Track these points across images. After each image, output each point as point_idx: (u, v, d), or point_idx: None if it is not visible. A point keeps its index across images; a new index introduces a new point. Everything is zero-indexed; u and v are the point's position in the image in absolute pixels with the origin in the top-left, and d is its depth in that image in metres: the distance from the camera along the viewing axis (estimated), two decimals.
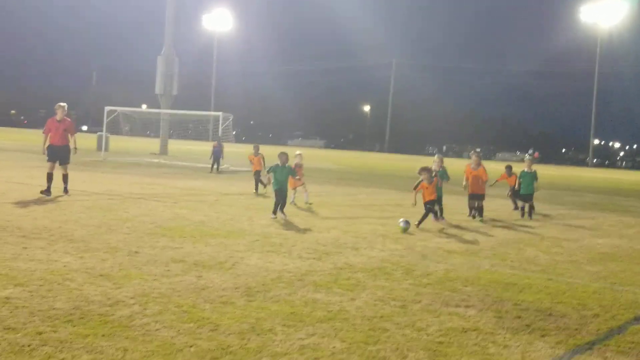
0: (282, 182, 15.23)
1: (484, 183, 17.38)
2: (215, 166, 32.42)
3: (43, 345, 5.46)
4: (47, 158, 16.84)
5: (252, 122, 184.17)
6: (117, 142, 51.98)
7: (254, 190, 21.56)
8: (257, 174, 21.82)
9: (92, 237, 10.77)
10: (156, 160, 39.58)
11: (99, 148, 43.17)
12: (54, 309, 6.53)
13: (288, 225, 13.78)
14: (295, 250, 10.77)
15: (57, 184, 16.66)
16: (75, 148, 17.22)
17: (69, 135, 16.99)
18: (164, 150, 51.04)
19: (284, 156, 15.43)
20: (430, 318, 7.14)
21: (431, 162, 17.04)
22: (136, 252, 9.76)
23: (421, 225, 14.58)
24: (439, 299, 8.06)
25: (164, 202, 16.68)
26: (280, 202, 14.98)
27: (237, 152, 49.29)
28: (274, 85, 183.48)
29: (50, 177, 16.51)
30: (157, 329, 6.12)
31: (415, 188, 15.43)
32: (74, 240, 10.37)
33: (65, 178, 16.99)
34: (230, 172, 33.43)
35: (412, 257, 10.88)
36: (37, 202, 14.95)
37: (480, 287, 8.89)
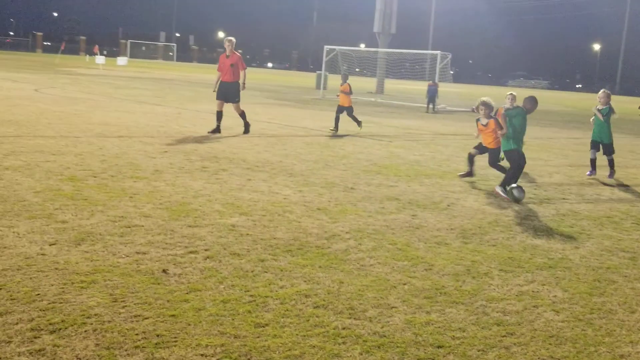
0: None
1: None
2: (431, 106, 32.13)
3: (265, 272, 5.73)
4: (215, 96, 16.37)
5: (470, 62, 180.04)
6: (335, 81, 53.22)
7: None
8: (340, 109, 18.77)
9: (311, 171, 11.12)
10: (373, 99, 39.99)
11: (318, 87, 44.38)
12: (274, 238, 6.83)
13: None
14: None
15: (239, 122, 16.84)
16: (244, 84, 16.25)
17: (239, 71, 16.10)
18: (380, 90, 51.38)
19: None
20: None
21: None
22: (352, 188, 9.93)
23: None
24: None
25: (379, 141, 16.83)
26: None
27: (454, 92, 48.42)
28: (494, 22, 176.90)
29: (219, 116, 15.97)
30: (371, 264, 6.19)
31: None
32: (294, 174, 10.78)
33: (242, 115, 16.34)
34: (447, 112, 32.97)
35: None
36: (261, 136, 15.71)
37: None
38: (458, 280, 5.89)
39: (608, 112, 12.96)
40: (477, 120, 11.35)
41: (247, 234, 6.89)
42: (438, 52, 38.13)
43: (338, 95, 19.20)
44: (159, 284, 5.24)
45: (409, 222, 7.99)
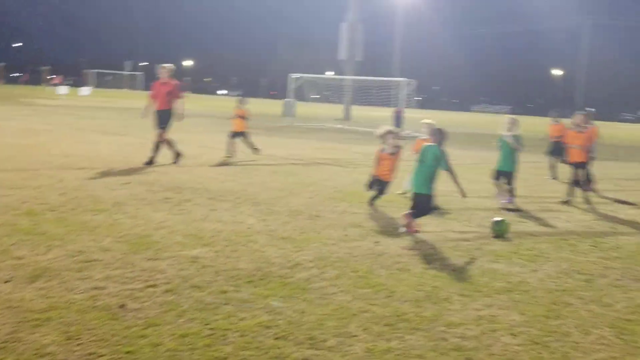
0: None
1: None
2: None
3: (225, 304, 5.71)
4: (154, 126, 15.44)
5: (436, 88, 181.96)
6: (302, 108, 53.40)
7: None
8: None
9: (276, 200, 11.14)
10: (339, 126, 40.22)
11: (285, 114, 44.55)
12: (237, 269, 6.82)
13: (469, 192, 13.42)
14: (476, 219, 10.50)
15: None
16: (183, 114, 15.47)
17: (175, 100, 15.28)
18: (347, 116, 51.73)
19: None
20: (619, 294, 6.69)
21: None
22: (317, 215, 9.97)
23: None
24: (629, 273, 7.54)
25: (345, 167, 16.92)
26: None
27: (419, 118, 48.94)
28: (458, 49, 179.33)
29: (168, 145, 15.37)
30: (333, 293, 6.22)
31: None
32: (258, 203, 10.78)
33: (158, 145, 15.23)
34: (411, 138, 33.23)
35: (600, 229, 10.25)
36: (225, 165, 15.71)
37: None
38: (419, 307, 5.94)
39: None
40: (382, 150, 10.89)
41: (209, 266, 6.87)
42: (404, 79, 38.61)
43: (233, 119, 18.25)
44: (116, 319, 5.20)
45: (372, 249, 8.04)
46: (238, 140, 17.89)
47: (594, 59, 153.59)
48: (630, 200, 13.66)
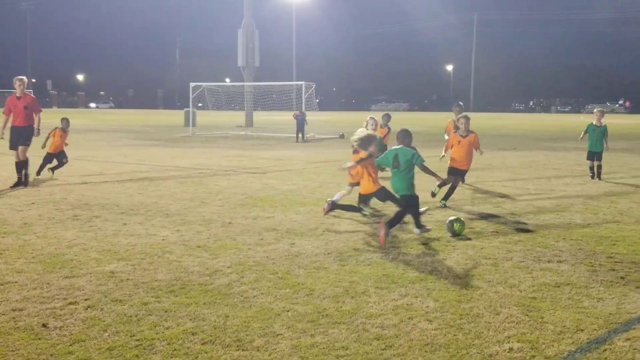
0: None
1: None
2: (300, 135, 32.76)
3: (149, 315, 5.76)
4: (8, 145, 14.32)
5: (334, 89, 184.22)
6: (204, 117, 53.08)
7: None
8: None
9: (187, 210, 11.16)
10: (242, 133, 40.26)
11: (187, 124, 44.19)
12: (156, 280, 6.86)
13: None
14: (386, 214, 10.85)
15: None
16: (39, 129, 14.37)
17: (33, 114, 14.22)
18: (249, 123, 51.80)
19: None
20: (523, 274, 7.13)
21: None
22: (230, 223, 10.07)
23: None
24: (531, 255, 8.02)
25: (253, 173, 17.05)
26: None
27: (321, 120, 49.49)
28: (354, 50, 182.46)
29: (19, 166, 14.13)
30: (255, 296, 6.36)
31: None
32: (170, 214, 10.78)
33: (22, 164, 14.13)
34: (316, 140, 33.69)
35: (501, 216, 10.80)
36: (132, 179, 15.54)
37: (573, 241, 8.77)
38: (338, 302, 6.16)
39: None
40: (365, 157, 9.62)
41: (128, 279, 6.88)
42: (302, 82, 39.03)
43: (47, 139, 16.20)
44: (40, 339, 5.18)
45: (288, 251, 8.22)
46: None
47: (482, 53, 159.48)
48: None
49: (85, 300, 6.15)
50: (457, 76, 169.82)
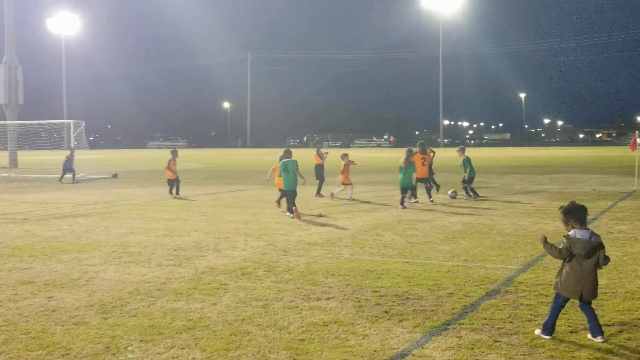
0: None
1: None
2: (65, 175, 30.92)
3: None
4: None
5: (109, 127, 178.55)
6: None
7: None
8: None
9: None
10: (5, 175, 37.38)
11: None
12: None
13: (148, 231, 13.35)
14: (155, 258, 10.45)
15: None
16: None
17: None
18: (13, 163, 48.30)
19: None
20: (292, 315, 7.10)
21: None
22: None
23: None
24: (301, 294, 8.05)
25: (12, 220, 15.74)
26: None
27: (94, 159, 47.43)
28: (128, 88, 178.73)
29: None
30: None
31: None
32: None
33: None
34: (86, 181, 32.09)
35: (274, 254, 10.84)
36: None
37: (341, 277, 8.97)
38: None
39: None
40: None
41: None
42: (71, 120, 37.33)
43: None
44: None
45: (45, 306, 7.56)
46: None
47: (257, 90, 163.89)
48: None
49: None
50: (235, 113, 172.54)
